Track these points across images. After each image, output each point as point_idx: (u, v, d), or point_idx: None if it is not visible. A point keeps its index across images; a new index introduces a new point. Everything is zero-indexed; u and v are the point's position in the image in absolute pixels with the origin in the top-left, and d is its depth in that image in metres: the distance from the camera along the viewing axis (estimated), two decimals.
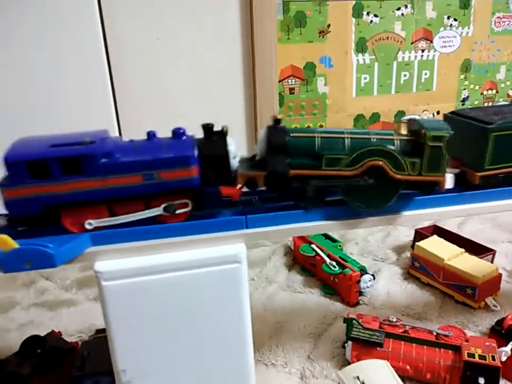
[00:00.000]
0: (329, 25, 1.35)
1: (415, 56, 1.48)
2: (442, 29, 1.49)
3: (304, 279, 1.01)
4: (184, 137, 0.52)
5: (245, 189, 0.53)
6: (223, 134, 0.52)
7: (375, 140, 0.53)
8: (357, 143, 0.53)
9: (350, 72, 1.42)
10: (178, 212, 0.51)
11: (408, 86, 1.50)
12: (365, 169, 0.52)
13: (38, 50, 1.17)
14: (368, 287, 0.93)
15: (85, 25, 1.19)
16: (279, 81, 1.36)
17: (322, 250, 1.00)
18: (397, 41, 1.45)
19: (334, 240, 1.05)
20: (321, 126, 1.45)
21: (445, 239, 1.00)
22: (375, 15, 1.39)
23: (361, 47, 1.41)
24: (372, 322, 0.73)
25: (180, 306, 0.49)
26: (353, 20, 1.37)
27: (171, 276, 0.47)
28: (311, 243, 1.04)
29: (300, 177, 0.52)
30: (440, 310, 0.88)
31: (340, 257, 0.96)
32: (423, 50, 1.49)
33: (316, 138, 0.53)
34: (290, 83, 1.38)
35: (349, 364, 0.71)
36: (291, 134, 0.53)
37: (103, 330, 0.73)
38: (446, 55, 1.52)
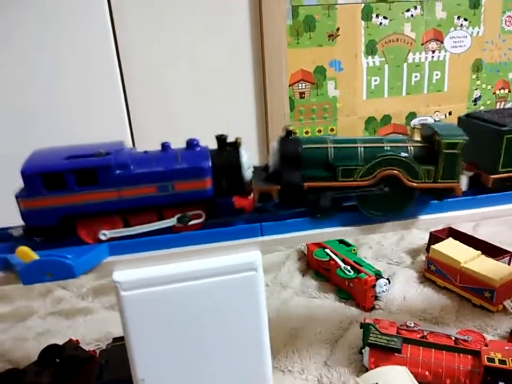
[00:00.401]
0: (338, 29, 1.35)
1: (426, 57, 1.47)
2: (452, 29, 1.48)
3: (319, 284, 1.01)
4: (198, 148, 0.52)
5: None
6: (236, 145, 0.52)
7: (388, 148, 0.53)
8: (371, 152, 0.52)
9: (360, 75, 1.42)
10: (191, 223, 0.51)
11: (419, 87, 1.49)
12: (379, 179, 0.52)
13: (49, 50, 1.18)
14: (383, 291, 0.92)
15: (96, 27, 1.19)
16: (289, 86, 1.36)
17: (336, 255, 1.00)
18: (407, 43, 1.44)
19: (348, 245, 1.05)
20: (332, 129, 1.44)
21: (460, 241, 0.99)
22: (384, 17, 1.39)
23: (371, 49, 1.40)
24: (389, 328, 0.72)
25: (197, 315, 0.49)
26: (363, 22, 1.37)
27: (188, 284, 0.48)
28: (324, 248, 1.03)
29: (314, 189, 0.52)
30: (457, 314, 0.87)
31: (355, 262, 0.96)
32: (433, 51, 1.48)
33: (329, 149, 0.53)
34: (300, 87, 1.38)
35: (367, 370, 0.70)
36: (304, 146, 0.53)
37: (120, 339, 0.74)
38: (457, 55, 1.51)
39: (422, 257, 1.07)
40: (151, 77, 1.26)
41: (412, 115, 1.48)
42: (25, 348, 0.85)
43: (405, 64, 1.46)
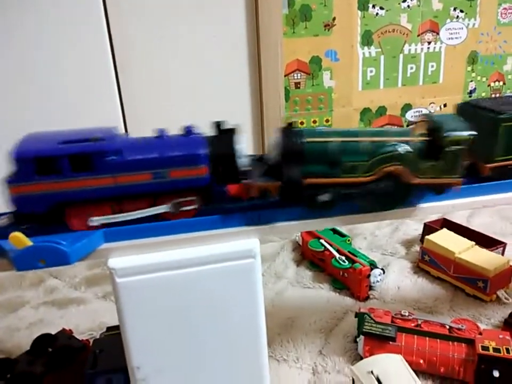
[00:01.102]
0: (334, 19, 1.34)
1: (422, 49, 1.47)
2: (448, 20, 1.48)
3: (313, 274, 1.01)
4: (195, 135, 0.51)
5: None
6: (232, 132, 0.51)
7: (392, 143, 0.51)
8: (375, 147, 0.51)
9: (356, 65, 1.41)
10: (184, 209, 0.50)
11: (415, 78, 1.49)
12: (382, 175, 0.51)
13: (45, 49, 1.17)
14: (378, 281, 0.92)
15: (91, 24, 1.19)
16: (285, 76, 1.36)
17: (331, 245, 1.00)
18: (403, 34, 1.44)
19: (342, 235, 1.05)
20: (327, 120, 1.44)
21: (455, 232, 0.99)
22: (381, 8, 1.38)
23: (367, 40, 1.40)
24: (383, 317, 0.73)
25: (194, 302, 0.48)
26: (359, 12, 1.36)
27: (185, 271, 0.47)
28: (319, 238, 1.03)
29: (315, 185, 0.51)
30: (451, 304, 0.87)
31: (349, 252, 0.96)
32: (429, 43, 1.47)
33: (333, 143, 0.51)
34: (296, 77, 1.37)
35: (361, 358, 0.70)
36: (307, 139, 0.51)
37: (114, 328, 0.73)
38: (453, 47, 1.51)
39: (416, 248, 1.08)
40: (145, 65, 1.25)
41: (407, 106, 1.48)
42: (17, 338, 0.84)
43: (401, 55, 1.45)
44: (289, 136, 0.51)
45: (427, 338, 0.69)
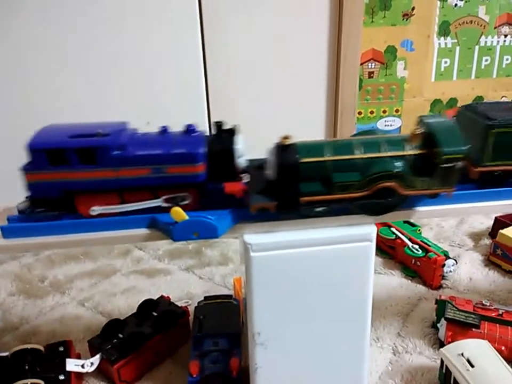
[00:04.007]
0: (413, 8, 1.34)
1: (498, 41, 1.45)
2: None
3: (383, 261, 1.04)
4: (195, 134, 0.53)
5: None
6: (232, 132, 0.53)
7: (387, 159, 0.51)
8: (369, 164, 0.51)
9: (431, 56, 1.41)
10: (180, 204, 0.52)
11: (489, 71, 1.47)
12: (375, 190, 0.51)
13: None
14: (451, 271, 0.95)
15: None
16: (360, 65, 1.37)
17: (402, 234, 1.03)
18: (480, 26, 1.42)
19: (413, 225, 1.07)
20: (397, 110, 1.45)
21: None
22: None
23: (444, 30, 1.39)
24: (465, 305, 0.76)
25: (313, 278, 0.53)
26: (438, 3, 1.35)
27: (310, 250, 0.52)
28: (390, 226, 1.06)
29: (310, 202, 0.52)
30: None
31: (422, 241, 0.99)
32: (505, 36, 1.45)
33: (327, 163, 0.52)
34: (370, 67, 1.39)
35: (442, 343, 0.74)
36: (302, 160, 0.51)
37: (210, 297, 0.80)
38: None
39: (485, 241, 1.09)
40: (231, 51, 1.29)
41: (479, 99, 1.47)
42: (115, 302, 0.91)
43: (477, 47, 1.44)
44: (285, 154, 0.51)
45: (509, 327, 0.72)
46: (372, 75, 1.40)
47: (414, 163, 0.52)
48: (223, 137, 0.53)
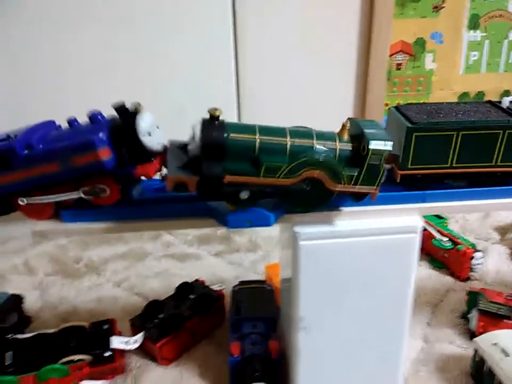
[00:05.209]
0: (443, 1, 1.33)
1: None
2: None
3: None
4: (100, 121, 0.52)
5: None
6: (133, 113, 0.50)
7: (316, 147, 0.50)
8: (299, 150, 0.50)
9: (460, 49, 1.41)
10: (101, 195, 0.53)
11: None
12: (302, 179, 0.50)
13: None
14: (479, 264, 0.96)
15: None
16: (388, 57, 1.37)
17: (430, 226, 1.04)
18: (510, 20, 1.41)
19: (440, 217, 1.08)
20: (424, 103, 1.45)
21: None
22: None
23: (473, 23, 1.38)
24: (496, 297, 0.77)
25: (358, 267, 0.55)
26: None
27: (357, 240, 0.53)
28: None
29: (234, 183, 0.49)
30: None
31: (450, 234, 1.00)
32: None
33: (256, 141, 0.49)
34: (398, 59, 1.39)
35: (472, 334, 0.76)
36: (231, 135, 0.49)
37: (246, 282, 0.82)
38: None
39: (511, 235, 1.10)
40: (262, 42, 1.29)
41: (506, 93, 1.46)
42: (149, 284, 0.94)
43: (506, 41, 1.43)
44: (211, 129, 0.48)
45: None
46: (399, 67, 1.40)
47: (343, 157, 0.51)
48: (125, 119, 0.50)
